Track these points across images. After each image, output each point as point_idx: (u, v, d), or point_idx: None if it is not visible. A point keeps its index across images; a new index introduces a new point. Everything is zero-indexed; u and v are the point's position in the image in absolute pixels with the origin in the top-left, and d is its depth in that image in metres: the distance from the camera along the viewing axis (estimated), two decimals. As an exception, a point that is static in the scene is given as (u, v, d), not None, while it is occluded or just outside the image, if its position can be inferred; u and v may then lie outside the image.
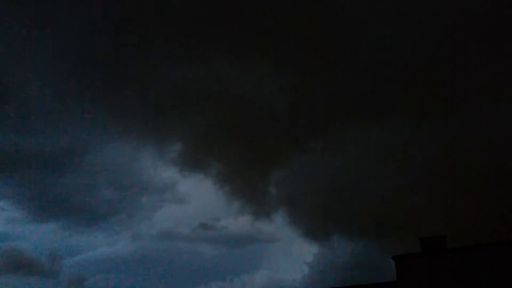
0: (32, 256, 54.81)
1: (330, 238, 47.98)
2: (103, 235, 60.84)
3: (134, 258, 59.44)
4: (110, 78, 49.39)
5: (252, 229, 57.49)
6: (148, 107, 50.32)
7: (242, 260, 60.04)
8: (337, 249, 47.26)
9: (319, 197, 46.69)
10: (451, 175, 39.69)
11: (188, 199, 61.96)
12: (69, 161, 54.38)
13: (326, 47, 45.40)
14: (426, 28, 42.64)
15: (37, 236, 59.83)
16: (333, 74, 46.14)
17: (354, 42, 45.04)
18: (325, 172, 47.17)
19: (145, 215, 61.74)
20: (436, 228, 29.22)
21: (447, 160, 40.03)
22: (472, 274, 22.46)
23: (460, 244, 24.15)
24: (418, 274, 23.39)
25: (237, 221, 59.76)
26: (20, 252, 54.41)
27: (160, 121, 51.86)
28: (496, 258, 22.27)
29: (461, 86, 41.70)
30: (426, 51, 42.83)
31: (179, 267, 59.61)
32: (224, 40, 46.89)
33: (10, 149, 50.86)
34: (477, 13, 39.82)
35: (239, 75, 48.10)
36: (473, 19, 40.39)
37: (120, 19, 46.30)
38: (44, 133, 52.46)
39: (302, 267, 51.80)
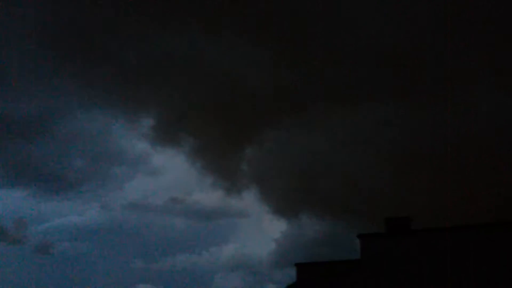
0: (-2, 222, 54.22)
1: (299, 216, 48.63)
2: (72, 203, 60.66)
3: (103, 228, 59.50)
4: (83, 46, 48.43)
5: (223, 204, 57.97)
6: (122, 77, 49.63)
7: (212, 234, 60.64)
8: (305, 227, 48.01)
9: (291, 175, 47.07)
10: (421, 160, 40.42)
11: (161, 172, 62.01)
12: (40, 127, 53.67)
13: (310, 28, 45.21)
14: (411, 15, 42.73)
15: (4, 202, 59.12)
16: (315, 55, 46.08)
17: (337, 25, 44.90)
18: (298, 151, 47.47)
19: (116, 185, 61.62)
20: (402, 210, 29.80)
21: (419, 145, 40.70)
22: (434, 255, 23.10)
23: (424, 226, 24.75)
24: (381, 252, 23.94)
25: (209, 196, 60.17)
26: (-15, 217, 53.71)
27: (134, 93, 51.22)
28: (458, 241, 22.88)
29: (440, 74, 42.19)
30: (408, 36, 42.95)
31: (148, 239, 59.88)
32: (204, 13, 46.25)
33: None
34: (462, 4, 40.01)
35: (218, 49, 47.65)
36: (457, 9, 40.58)
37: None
38: (14, 98, 51.48)
39: (269, 243, 52.58)
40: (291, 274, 26.95)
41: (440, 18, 41.55)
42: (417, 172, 39.64)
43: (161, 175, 63.15)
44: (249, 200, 54.17)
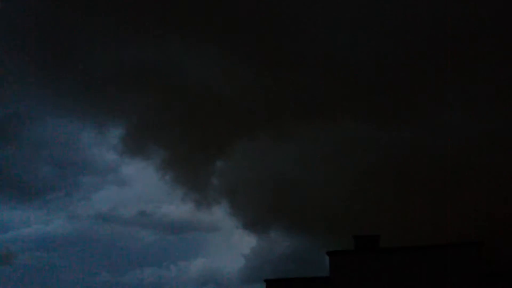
0: (-40, 230, 52.62)
1: (269, 231, 48.61)
2: (38, 212, 59.04)
3: (69, 238, 58.10)
4: (54, 52, 47.68)
5: (193, 217, 57.43)
6: (92, 86, 48.93)
7: (180, 247, 59.87)
8: (275, 243, 48.02)
9: (261, 190, 47.07)
10: (391, 178, 41.07)
11: (130, 183, 61.10)
12: (6, 133, 52.26)
13: (285, 43, 45.52)
14: (384, 29, 43.40)
15: (-34, 209, 57.27)
16: (289, 69, 46.41)
17: (312, 42, 45.36)
18: (270, 165, 47.57)
19: (84, 195, 60.24)
20: (371, 228, 30.23)
21: (389, 162, 41.33)
22: (401, 273, 23.56)
23: (392, 244, 25.21)
24: (350, 270, 24.22)
25: (178, 209, 59.52)
26: None
27: (104, 102, 50.54)
28: (425, 259, 23.44)
29: (409, 94, 43.04)
30: (382, 54, 43.63)
31: (115, 251, 58.75)
32: (179, 24, 46.15)
33: None
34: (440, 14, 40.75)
35: (190, 61, 47.54)
36: (433, 20, 41.42)
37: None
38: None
39: (239, 258, 52.35)
40: (260, 290, 26.92)
41: (412, 40, 42.61)
42: (386, 189, 40.25)
43: (130, 186, 62.24)
44: (219, 214, 53.86)
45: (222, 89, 47.53)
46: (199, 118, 48.87)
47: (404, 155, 40.81)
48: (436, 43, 41.39)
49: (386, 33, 42.99)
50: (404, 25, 42.08)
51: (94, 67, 48.70)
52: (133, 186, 61.24)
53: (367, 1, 43.09)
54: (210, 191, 50.75)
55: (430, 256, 23.43)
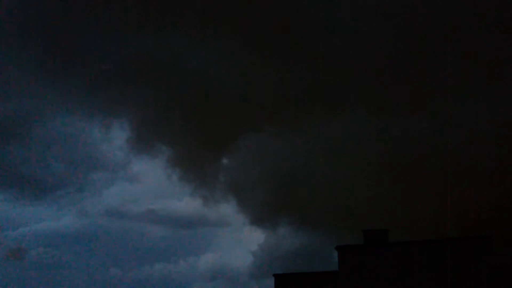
0: (-28, 226, 53.12)
1: (277, 228, 48.62)
2: (48, 208, 59.49)
3: (79, 234, 58.53)
4: (62, 50, 48.00)
5: (201, 213, 57.67)
6: (101, 83, 49.23)
7: (189, 243, 60.22)
8: (283, 239, 48.04)
9: (269, 186, 47.08)
10: (400, 173, 40.99)
11: (140, 179, 61.40)
12: (17, 130, 52.69)
13: (292, 37, 45.39)
14: (389, 31, 43.27)
15: (-22, 205, 57.73)
16: (296, 65, 46.34)
17: (318, 36, 45.20)
18: (276, 161, 47.54)
19: (94, 191, 60.58)
20: (380, 222, 30.20)
21: (397, 157, 41.21)
22: (410, 267, 23.51)
23: (401, 238, 25.17)
24: (359, 264, 24.19)
25: (187, 205, 59.75)
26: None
27: (113, 99, 50.82)
28: (434, 253, 23.36)
29: (416, 87, 42.88)
30: (386, 47, 43.44)
31: (125, 246, 59.14)
32: (184, 18, 46.17)
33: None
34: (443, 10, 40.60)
35: (195, 55, 47.59)
36: (438, 16, 41.22)
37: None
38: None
39: (248, 253, 52.46)
40: (269, 284, 27.06)
41: (416, 33, 42.46)
42: (395, 184, 40.18)
43: (140, 183, 62.53)
44: (227, 210, 54.04)
45: (228, 85, 47.60)
46: (205, 115, 49.01)
47: (412, 149, 40.68)
48: (446, 37, 41.22)
49: (395, 27, 42.85)
50: (414, 19, 41.91)
51: (101, 65, 49.01)
52: (142, 182, 61.59)
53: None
54: (217, 187, 50.95)
55: (439, 250, 23.32)
